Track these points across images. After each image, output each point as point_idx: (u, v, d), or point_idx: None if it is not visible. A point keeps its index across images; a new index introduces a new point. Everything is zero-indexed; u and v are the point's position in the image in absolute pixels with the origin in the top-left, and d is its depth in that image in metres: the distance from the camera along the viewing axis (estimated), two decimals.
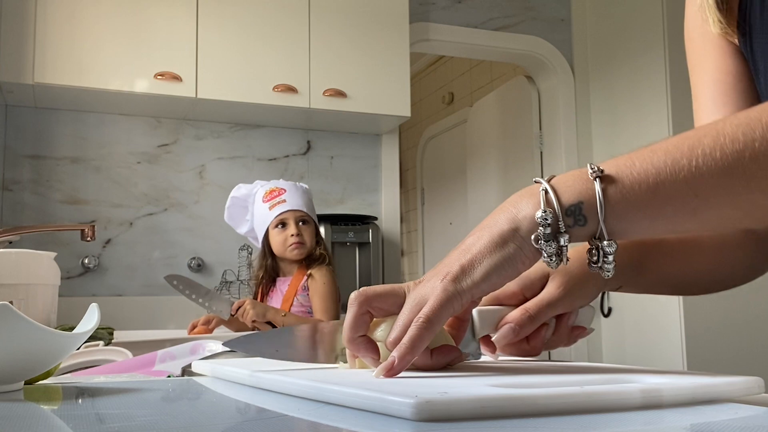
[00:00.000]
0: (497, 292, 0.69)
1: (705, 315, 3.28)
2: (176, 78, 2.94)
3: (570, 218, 0.55)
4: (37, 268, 1.28)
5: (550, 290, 0.69)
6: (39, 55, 2.78)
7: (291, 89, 3.12)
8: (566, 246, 0.55)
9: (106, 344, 1.24)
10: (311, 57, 3.18)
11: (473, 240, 0.58)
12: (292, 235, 2.40)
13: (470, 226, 4.72)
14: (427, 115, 5.65)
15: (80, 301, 2.25)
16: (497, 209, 0.59)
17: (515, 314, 0.68)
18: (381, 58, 3.30)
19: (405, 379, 0.53)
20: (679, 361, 3.25)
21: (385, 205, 3.61)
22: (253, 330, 2.18)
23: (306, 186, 2.56)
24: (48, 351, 0.60)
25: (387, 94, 3.29)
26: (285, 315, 2.28)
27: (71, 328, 0.69)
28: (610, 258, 0.57)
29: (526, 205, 0.56)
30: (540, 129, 4.07)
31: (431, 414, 0.40)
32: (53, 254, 1.32)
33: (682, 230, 0.57)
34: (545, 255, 0.56)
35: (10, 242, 1.58)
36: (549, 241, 0.55)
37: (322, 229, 3.20)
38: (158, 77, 2.92)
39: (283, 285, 2.47)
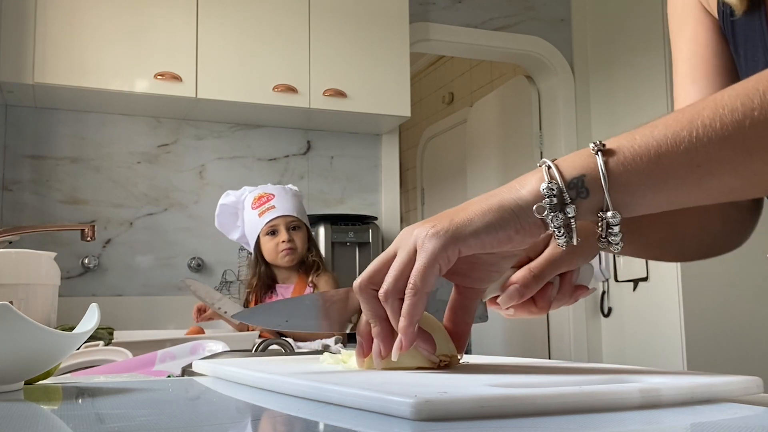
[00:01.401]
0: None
1: (705, 315, 3.28)
2: (176, 78, 2.94)
3: (573, 191, 0.56)
4: (37, 268, 1.28)
5: (553, 249, 0.69)
6: (39, 55, 2.78)
7: (291, 89, 3.12)
8: (573, 217, 0.56)
9: (106, 344, 1.24)
10: (311, 57, 3.18)
11: (470, 203, 0.58)
12: (283, 241, 2.37)
13: None
14: (427, 115, 5.65)
15: (80, 301, 2.25)
16: (500, 187, 0.59)
17: (520, 275, 0.68)
18: (381, 58, 3.30)
19: (405, 379, 0.53)
20: (679, 361, 3.25)
21: (385, 205, 3.61)
22: (259, 336, 2.18)
23: (295, 188, 2.53)
24: (48, 351, 0.60)
25: (387, 94, 3.29)
26: None
27: (71, 328, 0.69)
28: (616, 230, 0.57)
29: (529, 181, 0.57)
30: (540, 129, 4.07)
31: (430, 413, 0.40)
32: (53, 254, 1.32)
33: (687, 201, 0.58)
34: (553, 227, 0.56)
35: (10, 242, 1.58)
36: (555, 212, 0.55)
37: (321, 230, 3.20)
38: (158, 77, 2.92)
39: (285, 291, 2.44)
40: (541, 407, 0.42)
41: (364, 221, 3.33)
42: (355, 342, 0.64)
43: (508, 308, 0.70)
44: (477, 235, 0.56)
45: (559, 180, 0.56)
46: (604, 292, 3.76)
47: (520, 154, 4.18)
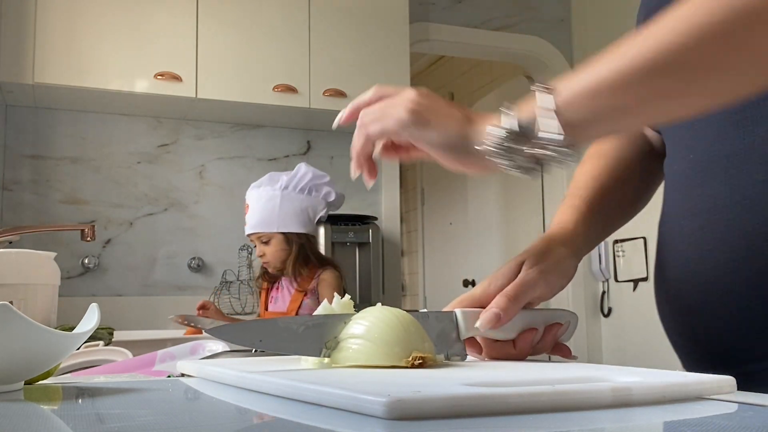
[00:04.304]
0: (479, 295, 0.71)
1: None
2: (176, 78, 2.95)
3: (523, 132, 0.62)
4: (37, 268, 1.28)
5: (526, 272, 0.71)
6: (39, 55, 2.78)
7: (291, 89, 3.12)
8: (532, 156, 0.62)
9: (106, 344, 1.25)
10: (311, 57, 3.18)
11: (447, 115, 0.67)
12: (259, 256, 2.45)
13: (470, 226, 4.73)
14: None
15: (80, 301, 2.25)
16: (470, 115, 0.67)
17: (496, 300, 0.69)
18: (381, 58, 3.30)
19: (381, 378, 0.54)
20: (679, 361, 3.25)
21: (385, 205, 3.61)
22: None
23: (277, 185, 2.44)
24: (48, 351, 0.60)
25: None
26: None
27: (71, 328, 0.69)
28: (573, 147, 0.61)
29: (489, 121, 0.66)
30: None
31: (403, 412, 0.40)
32: (53, 254, 1.32)
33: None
34: (507, 167, 0.63)
35: (10, 242, 1.58)
36: (507, 154, 0.63)
37: (321, 230, 3.19)
38: (158, 77, 2.92)
39: (290, 285, 2.48)
40: (513, 406, 0.43)
41: (364, 221, 3.33)
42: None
43: (488, 351, 0.72)
44: (431, 146, 0.66)
45: (514, 121, 0.62)
46: (604, 292, 3.76)
47: None
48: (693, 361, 0.76)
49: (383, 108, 0.69)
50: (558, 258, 0.73)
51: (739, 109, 0.65)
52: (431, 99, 0.68)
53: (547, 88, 0.61)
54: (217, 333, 0.63)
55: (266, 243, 2.40)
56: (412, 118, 0.66)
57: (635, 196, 0.89)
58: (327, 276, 2.41)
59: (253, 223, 2.41)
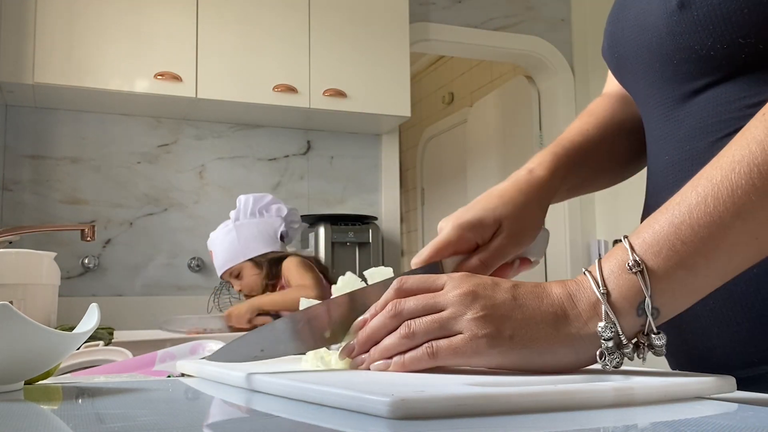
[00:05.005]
0: (455, 240, 0.73)
1: None
2: (176, 78, 2.95)
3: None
4: (37, 268, 1.28)
5: (500, 240, 0.74)
6: (39, 55, 2.78)
7: (291, 89, 3.12)
8: (628, 353, 0.55)
9: (106, 344, 1.25)
10: (311, 57, 3.18)
11: (530, 312, 0.55)
12: (238, 291, 2.50)
13: None
14: (427, 115, 5.65)
15: (80, 301, 2.25)
16: (560, 300, 0.56)
17: (471, 265, 0.73)
18: (381, 58, 3.30)
19: (384, 378, 0.54)
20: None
21: (385, 205, 3.61)
22: (252, 328, 2.22)
23: (231, 218, 2.46)
24: (48, 351, 0.60)
25: (387, 94, 3.29)
26: (269, 295, 2.37)
27: (71, 328, 0.69)
28: (661, 344, 0.55)
29: (586, 313, 0.55)
30: (540, 129, 4.07)
31: (406, 412, 0.40)
32: (53, 254, 1.33)
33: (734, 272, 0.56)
34: (606, 362, 0.55)
35: (10, 242, 1.58)
36: (612, 354, 0.54)
37: (321, 230, 3.20)
38: (158, 77, 2.92)
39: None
40: (516, 405, 0.43)
41: (364, 221, 3.33)
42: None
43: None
44: (526, 361, 0.55)
45: (616, 324, 0.54)
46: None
47: (520, 155, 4.18)
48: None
49: (434, 326, 0.57)
50: (532, 219, 0.77)
51: (712, 112, 0.65)
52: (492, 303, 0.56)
53: (638, 267, 0.54)
54: (217, 357, 0.62)
55: (238, 277, 2.44)
56: (500, 345, 0.55)
57: (626, 158, 0.89)
58: (287, 263, 2.43)
59: (220, 263, 2.45)
